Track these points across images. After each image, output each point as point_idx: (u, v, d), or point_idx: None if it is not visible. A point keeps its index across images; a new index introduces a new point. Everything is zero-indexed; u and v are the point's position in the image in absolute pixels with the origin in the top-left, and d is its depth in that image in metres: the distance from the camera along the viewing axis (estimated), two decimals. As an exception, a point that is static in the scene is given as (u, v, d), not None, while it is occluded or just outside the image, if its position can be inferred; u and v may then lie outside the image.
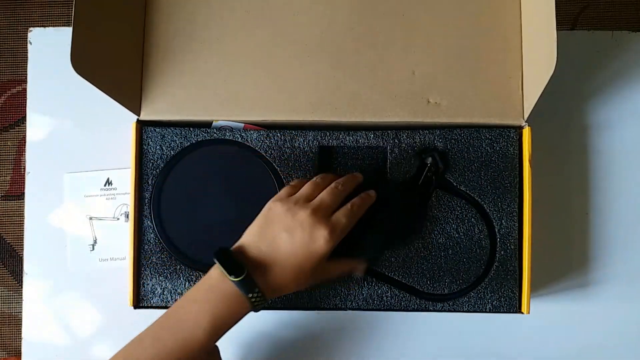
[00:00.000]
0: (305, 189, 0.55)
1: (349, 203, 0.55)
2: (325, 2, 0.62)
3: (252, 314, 0.52)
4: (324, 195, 0.54)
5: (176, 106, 0.61)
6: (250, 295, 0.49)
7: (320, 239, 0.51)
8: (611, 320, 0.67)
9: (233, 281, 0.49)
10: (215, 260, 0.50)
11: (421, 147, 0.61)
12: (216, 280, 0.50)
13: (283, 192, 0.56)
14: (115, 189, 0.68)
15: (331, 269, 0.55)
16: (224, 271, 0.49)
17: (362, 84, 0.60)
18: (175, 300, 0.60)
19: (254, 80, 0.61)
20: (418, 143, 0.61)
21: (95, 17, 0.54)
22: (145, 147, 0.61)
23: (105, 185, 0.68)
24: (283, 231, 0.52)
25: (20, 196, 1.38)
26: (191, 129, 0.61)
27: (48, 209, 0.68)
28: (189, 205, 0.61)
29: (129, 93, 0.60)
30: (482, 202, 0.60)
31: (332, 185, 0.55)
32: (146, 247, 0.60)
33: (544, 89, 0.52)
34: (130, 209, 0.60)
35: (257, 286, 0.50)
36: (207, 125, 0.62)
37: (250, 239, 0.53)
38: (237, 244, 0.53)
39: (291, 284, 0.52)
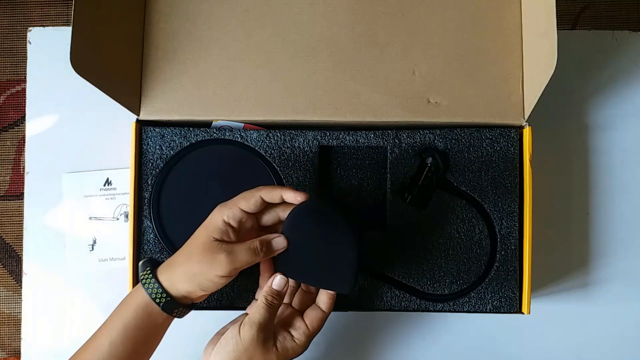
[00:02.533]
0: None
1: (257, 240, 0.51)
2: (325, 2, 0.61)
3: None
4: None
5: (176, 106, 0.60)
6: (146, 283, 0.50)
7: (220, 259, 0.49)
8: (611, 320, 0.67)
9: (140, 280, 0.51)
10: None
11: (421, 147, 0.60)
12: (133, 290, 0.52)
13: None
14: (114, 189, 0.68)
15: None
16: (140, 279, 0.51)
17: (362, 84, 0.60)
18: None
19: (254, 80, 0.61)
20: (418, 143, 0.60)
21: (94, 17, 0.54)
22: (144, 147, 0.61)
23: (104, 185, 0.68)
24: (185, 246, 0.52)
25: (20, 196, 1.38)
26: (191, 128, 0.61)
27: (47, 209, 0.68)
28: (188, 205, 0.60)
29: (128, 93, 0.59)
30: (483, 202, 0.60)
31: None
32: (146, 247, 0.60)
33: (545, 88, 0.52)
34: (130, 209, 0.60)
35: (155, 277, 0.50)
36: (206, 125, 0.61)
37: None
38: None
39: (186, 277, 0.50)
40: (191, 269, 0.50)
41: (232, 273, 0.50)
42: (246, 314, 0.53)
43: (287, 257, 0.52)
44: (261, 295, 0.51)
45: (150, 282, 0.50)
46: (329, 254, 0.51)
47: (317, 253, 0.51)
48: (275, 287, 0.51)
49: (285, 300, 0.55)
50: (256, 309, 0.50)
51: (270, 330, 0.50)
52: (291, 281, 0.54)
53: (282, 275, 0.52)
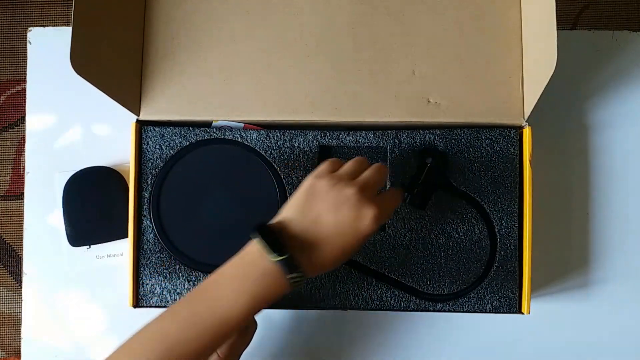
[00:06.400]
0: (349, 166, 0.52)
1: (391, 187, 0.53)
2: (325, 2, 0.61)
3: None
4: (371, 173, 0.51)
5: (176, 106, 0.61)
6: (291, 275, 0.46)
7: (367, 219, 0.48)
8: (611, 320, 0.67)
9: (275, 260, 0.46)
10: (257, 236, 0.47)
11: (421, 147, 0.60)
12: (255, 256, 0.47)
13: (324, 168, 0.52)
14: (114, 188, 0.68)
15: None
16: (267, 248, 0.47)
17: (362, 84, 0.60)
18: (175, 300, 0.60)
19: (254, 80, 0.61)
20: (418, 143, 0.61)
21: (94, 17, 0.54)
22: (144, 147, 0.61)
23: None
24: (329, 208, 0.48)
25: (20, 196, 1.38)
26: (191, 128, 0.61)
27: (47, 208, 0.68)
28: (188, 205, 0.61)
29: (128, 93, 0.59)
30: (482, 202, 0.60)
31: (378, 164, 0.53)
32: (145, 246, 0.60)
33: (545, 88, 0.52)
34: (130, 208, 0.60)
35: (299, 266, 0.47)
36: (206, 125, 0.61)
37: (292, 214, 0.49)
38: (277, 219, 0.50)
39: (332, 263, 0.49)
40: (344, 260, 0.49)
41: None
42: None
43: None
44: None
45: (296, 272, 0.47)
46: None
47: None
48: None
49: None
50: None
51: None
52: None
53: None
